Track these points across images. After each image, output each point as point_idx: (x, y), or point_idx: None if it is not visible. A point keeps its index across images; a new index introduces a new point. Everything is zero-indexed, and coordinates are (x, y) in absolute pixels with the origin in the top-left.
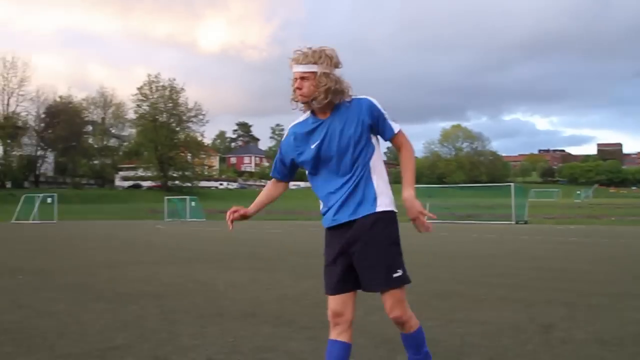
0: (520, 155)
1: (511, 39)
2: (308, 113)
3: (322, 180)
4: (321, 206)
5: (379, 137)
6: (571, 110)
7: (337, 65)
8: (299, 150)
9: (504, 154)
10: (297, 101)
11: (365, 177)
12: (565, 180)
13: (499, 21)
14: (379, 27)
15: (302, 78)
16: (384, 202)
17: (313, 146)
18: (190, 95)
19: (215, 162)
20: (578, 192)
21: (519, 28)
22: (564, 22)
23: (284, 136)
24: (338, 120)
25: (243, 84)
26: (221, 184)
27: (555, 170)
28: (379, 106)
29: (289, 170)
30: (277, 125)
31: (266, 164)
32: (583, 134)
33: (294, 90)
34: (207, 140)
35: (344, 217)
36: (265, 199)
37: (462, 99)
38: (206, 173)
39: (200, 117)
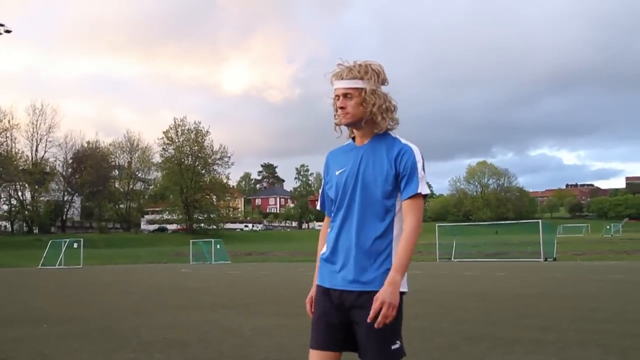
0: (547, 190)
1: (536, 74)
2: (349, 140)
3: (336, 220)
4: (324, 249)
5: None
6: (598, 144)
7: (384, 82)
8: (328, 177)
9: (531, 190)
10: (340, 124)
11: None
12: (594, 215)
13: (524, 56)
14: (405, 65)
15: (346, 95)
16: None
17: (338, 172)
18: (215, 138)
19: (240, 204)
20: (607, 226)
21: (543, 62)
22: (589, 54)
23: (325, 161)
24: (373, 150)
25: (267, 124)
26: (246, 226)
27: (584, 205)
28: (419, 161)
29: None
30: (302, 165)
31: (291, 205)
32: (611, 167)
33: (336, 111)
34: (232, 182)
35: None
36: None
37: (487, 135)
38: (231, 215)
39: (226, 159)
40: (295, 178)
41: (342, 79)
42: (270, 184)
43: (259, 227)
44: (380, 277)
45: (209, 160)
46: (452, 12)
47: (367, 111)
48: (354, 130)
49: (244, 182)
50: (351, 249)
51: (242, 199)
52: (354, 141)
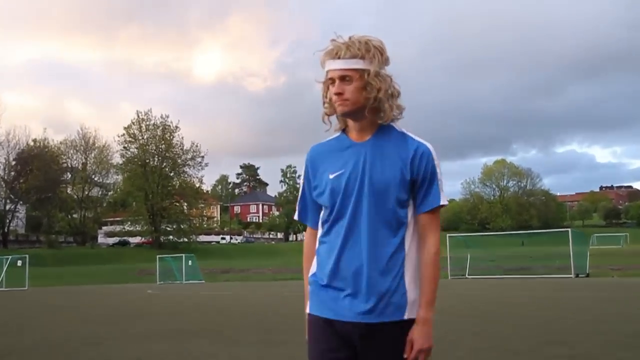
0: (577, 194)
1: (563, 56)
2: (337, 133)
3: (334, 234)
4: (314, 270)
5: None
6: (637, 138)
7: (387, 61)
8: (314, 180)
9: (558, 193)
10: (331, 114)
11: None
12: (634, 223)
13: (547, 36)
14: (406, 47)
15: (343, 78)
16: (415, 307)
17: (333, 176)
18: (186, 134)
19: (215, 212)
20: None
21: (571, 42)
22: (623, 34)
23: (304, 162)
24: (380, 149)
25: (247, 118)
26: (223, 238)
27: (621, 210)
28: (438, 165)
29: (318, 213)
30: (289, 166)
31: (276, 212)
32: None
33: (328, 99)
34: (207, 186)
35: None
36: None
37: (506, 129)
38: (205, 225)
39: (198, 159)
40: (281, 181)
41: (338, 58)
42: (251, 189)
43: (238, 239)
44: (396, 305)
45: (179, 160)
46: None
47: (371, 97)
48: (350, 122)
49: (220, 187)
50: (362, 271)
51: (218, 207)
52: (346, 135)
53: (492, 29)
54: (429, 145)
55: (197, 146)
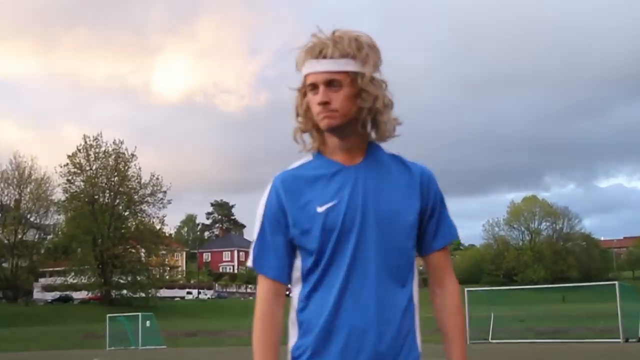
0: (626, 238)
1: (606, 69)
2: (309, 156)
3: (326, 287)
4: (295, 339)
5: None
6: None
7: (381, 62)
8: (292, 215)
9: (602, 238)
10: (307, 131)
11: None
12: None
13: (586, 45)
14: (414, 59)
15: (330, 83)
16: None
17: (323, 208)
18: (145, 164)
19: (180, 260)
20: None
21: (616, 53)
22: None
23: (266, 192)
24: (379, 173)
25: (220, 145)
26: (189, 293)
27: None
28: (439, 186)
29: (288, 260)
30: None
31: None
32: None
33: (304, 110)
34: (170, 228)
35: None
36: (277, 343)
37: (537, 159)
38: (167, 277)
39: (160, 195)
40: None
41: (323, 57)
42: (224, 232)
43: (208, 294)
44: None
45: (135, 197)
46: None
47: (365, 108)
48: (333, 141)
49: (186, 229)
50: (369, 331)
51: (184, 254)
52: (326, 157)
53: (519, 38)
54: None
55: (158, 179)
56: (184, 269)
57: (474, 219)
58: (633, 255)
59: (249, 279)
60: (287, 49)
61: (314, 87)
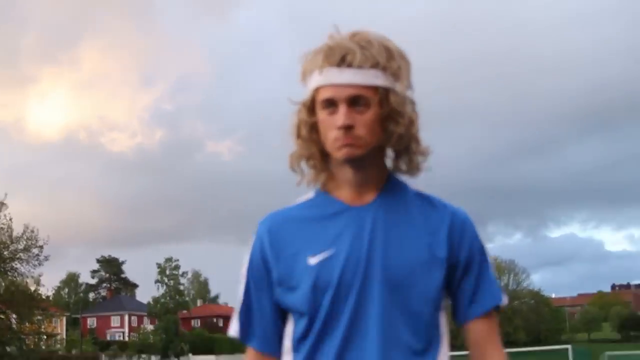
0: (580, 295)
1: (557, 103)
2: (311, 193)
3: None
4: None
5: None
6: None
7: (411, 79)
8: (277, 270)
9: (553, 295)
10: (309, 159)
11: None
12: None
13: (534, 74)
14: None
15: (356, 102)
16: None
17: (316, 260)
18: (17, 215)
19: (60, 327)
20: None
21: (569, 84)
22: None
23: (250, 243)
24: (394, 215)
25: (107, 192)
26: None
27: None
28: (479, 234)
29: (278, 326)
30: (168, 260)
31: (149, 326)
32: None
33: (307, 131)
34: (47, 290)
35: None
36: None
37: (478, 205)
38: (44, 347)
39: (35, 250)
40: (157, 281)
41: (347, 66)
42: (112, 292)
43: None
44: None
45: (5, 252)
46: (415, 10)
47: (394, 135)
48: (346, 173)
49: (67, 290)
50: None
51: (64, 319)
52: (328, 194)
53: (457, 67)
54: (463, 209)
55: (32, 232)
56: (64, 337)
57: None
58: (588, 315)
59: (143, 347)
60: (187, 76)
61: (331, 104)
